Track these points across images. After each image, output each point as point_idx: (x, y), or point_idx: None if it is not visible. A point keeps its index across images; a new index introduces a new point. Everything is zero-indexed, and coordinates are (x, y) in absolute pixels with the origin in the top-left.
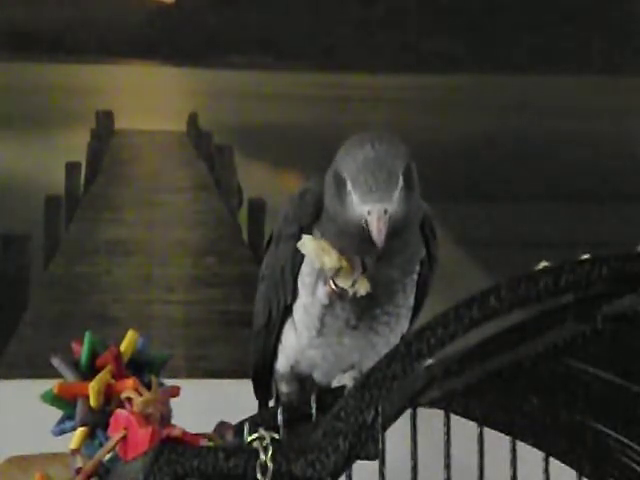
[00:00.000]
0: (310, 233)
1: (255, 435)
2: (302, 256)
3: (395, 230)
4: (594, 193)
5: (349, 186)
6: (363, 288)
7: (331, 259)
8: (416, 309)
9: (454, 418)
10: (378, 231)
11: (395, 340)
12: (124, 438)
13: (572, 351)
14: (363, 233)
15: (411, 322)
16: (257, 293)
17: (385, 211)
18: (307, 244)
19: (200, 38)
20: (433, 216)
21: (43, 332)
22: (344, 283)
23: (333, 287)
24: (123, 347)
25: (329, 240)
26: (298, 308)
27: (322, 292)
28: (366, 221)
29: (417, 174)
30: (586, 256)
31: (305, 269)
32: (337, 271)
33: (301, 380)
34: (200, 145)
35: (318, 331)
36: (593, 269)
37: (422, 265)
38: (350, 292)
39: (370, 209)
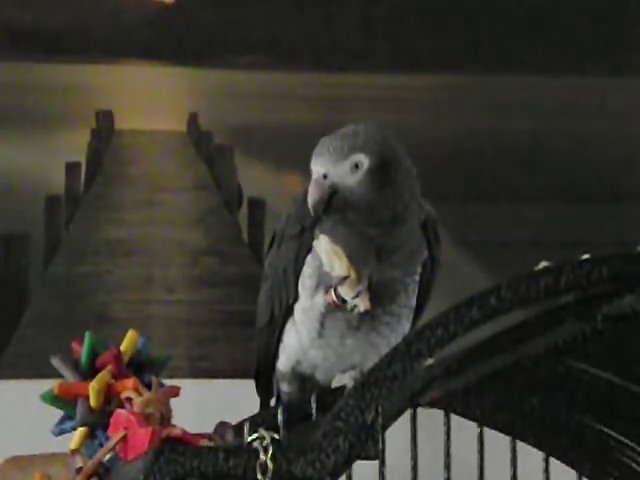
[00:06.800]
0: (312, 233)
1: (255, 435)
2: (304, 257)
3: (347, 207)
4: (594, 193)
5: None
6: (363, 304)
7: (341, 266)
8: (418, 311)
9: (454, 418)
10: (310, 192)
11: (396, 341)
12: (124, 438)
13: (572, 351)
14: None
15: (413, 324)
16: (260, 292)
17: (325, 176)
18: (322, 244)
19: (200, 38)
20: (437, 219)
21: (43, 332)
22: (346, 293)
23: (334, 298)
24: (123, 347)
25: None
26: (298, 309)
27: (321, 300)
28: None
29: (415, 177)
30: (586, 256)
31: (307, 270)
32: (342, 280)
33: (302, 380)
34: (200, 145)
35: (318, 332)
36: (593, 269)
37: (424, 267)
38: (349, 305)
39: (312, 169)
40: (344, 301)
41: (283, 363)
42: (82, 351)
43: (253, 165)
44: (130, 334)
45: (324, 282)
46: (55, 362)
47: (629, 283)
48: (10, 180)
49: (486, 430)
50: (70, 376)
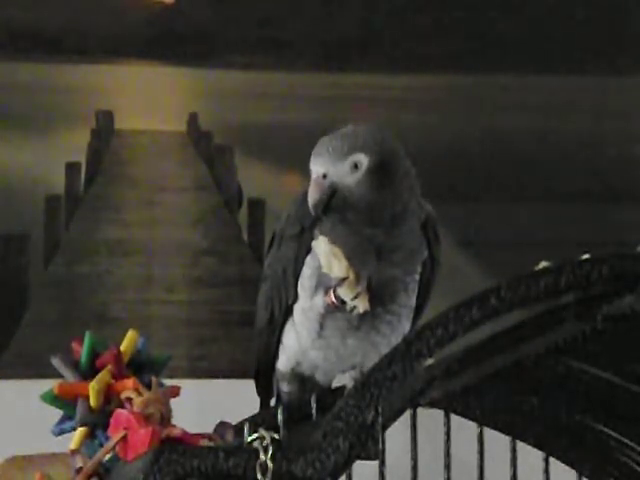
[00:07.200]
0: (312, 233)
1: (255, 435)
2: (304, 257)
3: (347, 207)
4: (594, 193)
5: None
6: (362, 305)
7: (340, 267)
8: (418, 311)
9: (454, 418)
10: (310, 192)
11: (397, 341)
12: (124, 438)
13: (572, 351)
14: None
15: (413, 324)
16: (259, 292)
17: (324, 176)
18: (321, 245)
19: (200, 38)
20: (437, 219)
21: (43, 332)
22: (346, 295)
23: (333, 299)
24: (123, 347)
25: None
26: (298, 310)
27: (321, 302)
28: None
29: (414, 177)
30: (586, 256)
31: (306, 271)
32: (342, 281)
33: (302, 380)
34: (200, 145)
35: (318, 333)
36: (593, 269)
37: (424, 267)
38: (349, 307)
39: (312, 169)
40: (343, 302)
41: (283, 363)
42: (82, 351)
43: (253, 165)
44: (130, 334)
45: (323, 283)
46: (55, 362)
47: (629, 283)
48: (10, 180)
49: (486, 430)
50: (70, 376)
